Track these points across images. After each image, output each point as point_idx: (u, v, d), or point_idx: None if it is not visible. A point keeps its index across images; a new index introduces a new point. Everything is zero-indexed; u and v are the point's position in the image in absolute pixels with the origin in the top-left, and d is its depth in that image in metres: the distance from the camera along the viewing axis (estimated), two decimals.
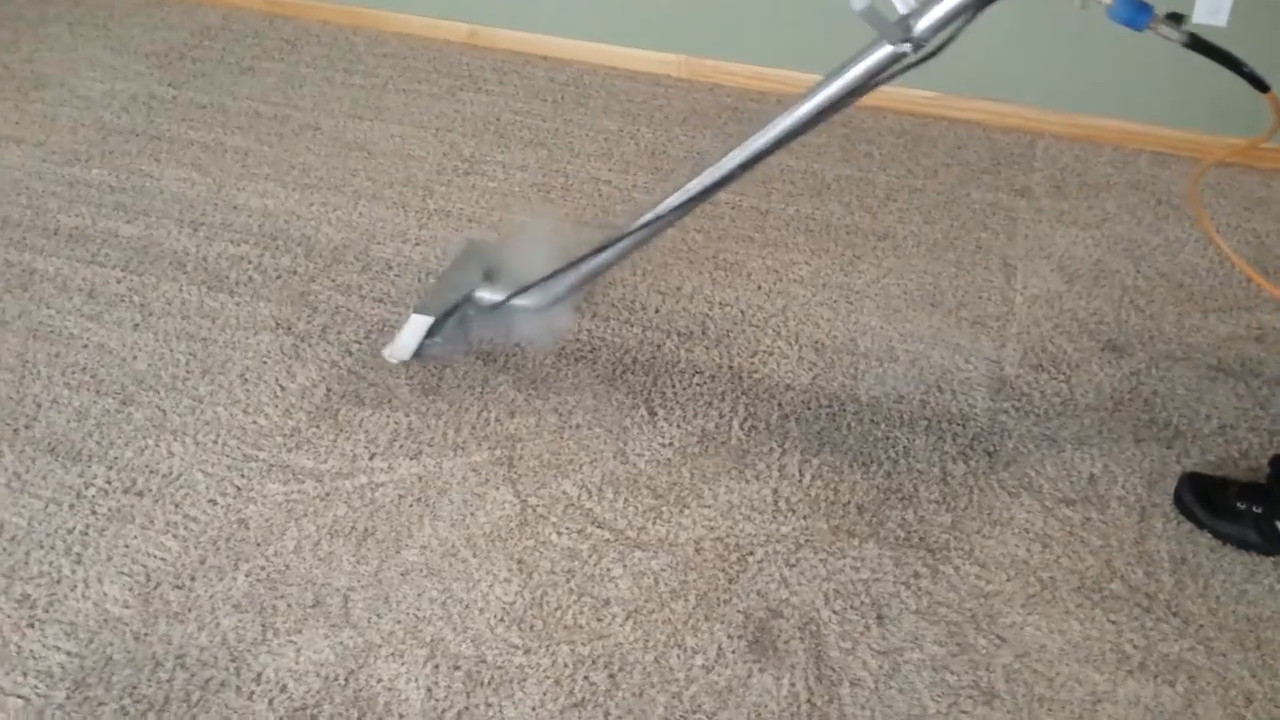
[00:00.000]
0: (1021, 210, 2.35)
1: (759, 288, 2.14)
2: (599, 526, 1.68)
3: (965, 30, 1.43)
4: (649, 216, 1.71)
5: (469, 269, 1.99)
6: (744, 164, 1.64)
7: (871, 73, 1.48)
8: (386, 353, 1.91)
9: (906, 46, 1.41)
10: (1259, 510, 1.62)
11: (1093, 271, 2.18)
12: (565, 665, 1.50)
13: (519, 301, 1.91)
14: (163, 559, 1.63)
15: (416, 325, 1.88)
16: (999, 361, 1.98)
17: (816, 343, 2.01)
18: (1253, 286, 2.14)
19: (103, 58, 2.92)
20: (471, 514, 1.70)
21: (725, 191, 2.40)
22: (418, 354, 1.90)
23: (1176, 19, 1.35)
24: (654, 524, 1.69)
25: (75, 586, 1.59)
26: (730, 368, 1.96)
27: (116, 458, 1.79)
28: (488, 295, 1.93)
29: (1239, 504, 1.64)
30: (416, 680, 1.48)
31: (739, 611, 1.57)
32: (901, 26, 1.40)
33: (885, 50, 1.44)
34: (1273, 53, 2.38)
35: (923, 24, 1.40)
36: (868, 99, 2.76)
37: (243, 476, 1.76)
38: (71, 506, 1.71)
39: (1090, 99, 2.55)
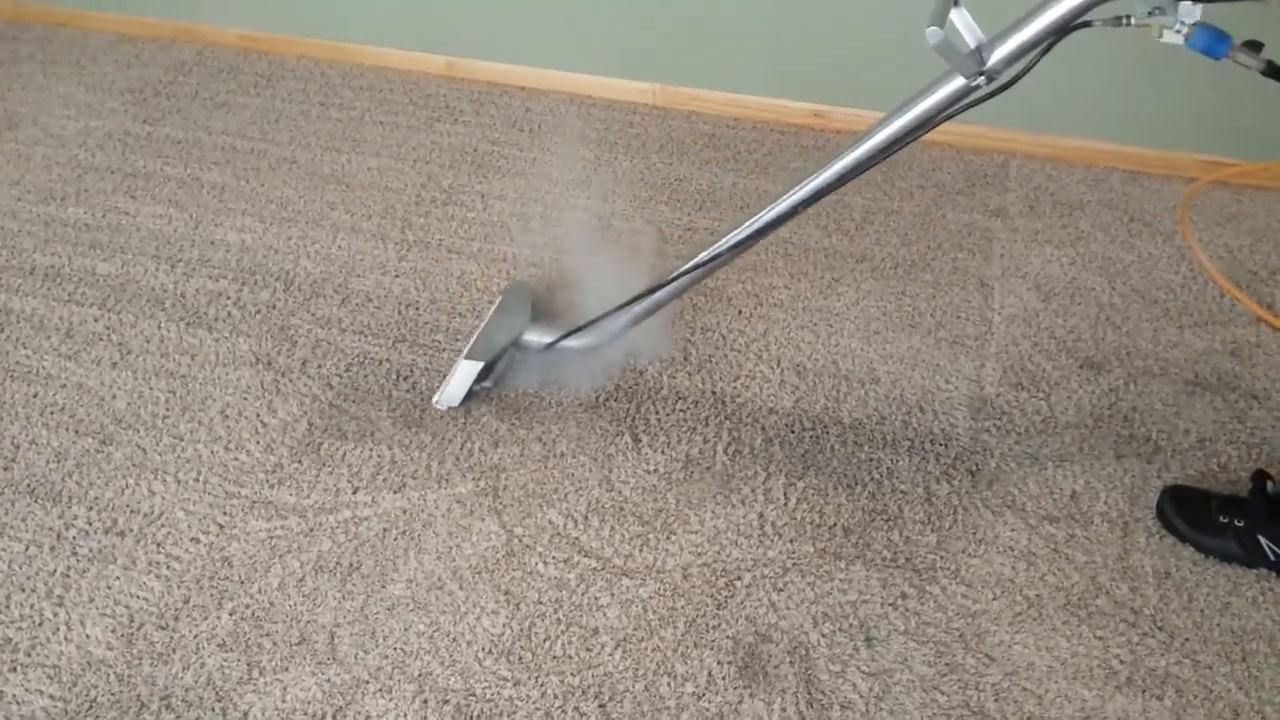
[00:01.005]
0: (997, 230, 2.38)
1: (739, 312, 2.15)
2: (586, 555, 1.68)
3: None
4: (706, 255, 1.68)
5: (515, 311, 1.97)
6: (805, 200, 1.61)
7: (942, 106, 1.46)
8: (436, 400, 1.90)
9: (980, 79, 1.40)
10: (1240, 524, 1.63)
11: (1069, 289, 2.20)
12: (555, 696, 1.49)
13: (570, 343, 1.90)
14: (145, 599, 1.62)
15: (466, 371, 1.87)
16: (979, 381, 1.99)
17: (798, 366, 2.02)
18: (1227, 301, 2.17)
19: (76, 95, 2.92)
20: (457, 546, 1.69)
21: (704, 217, 2.43)
22: (467, 399, 1.90)
23: (1255, 47, 1.34)
24: (641, 551, 1.68)
25: (57, 629, 1.58)
26: (713, 393, 1.96)
27: (97, 498, 1.78)
28: (537, 337, 1.92)
29: (1220, 517, 1.65)
30: (405, 716, 1.47)
31: (728, 637, 1.56)
32: (975, 59, 1.39)
33: (957, 83, 1.42)
34: (1239, 72, 2.42)
35: (996, 56, 1.39)
36: (838, 121, 2.80)
37: (225, 514, 1.74)
38: (52, 548, 1.69)
39: (1061, 119, 2.58)
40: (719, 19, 2.69)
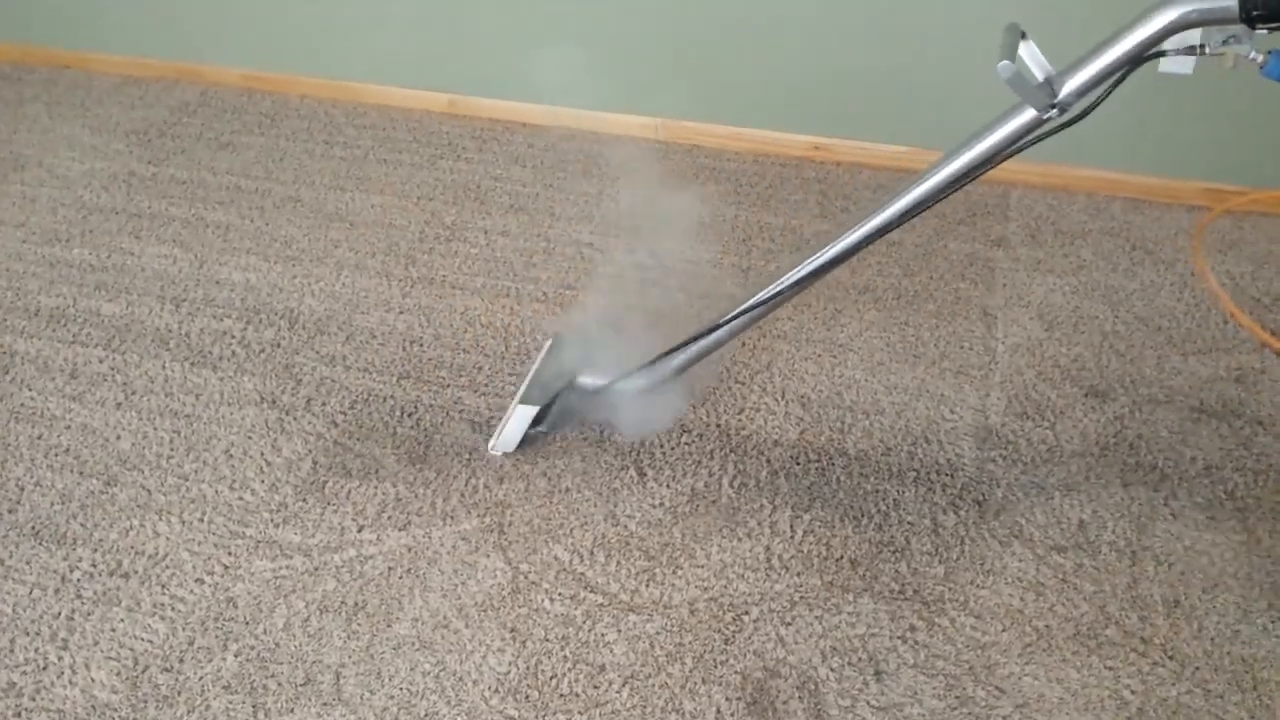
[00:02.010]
0: (999, 260, 2.38)
1: (743, 344, 2.15)
2: (592, 591, 1.67)
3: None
4: (764, 294, 1.66)
5: (568, 354, 1.95)
6: (867, 237, 1.58)
7: (1012, 139, 1.45)
8: (491, 445, 1.89)
9: (1052, 112, 1.39)
10: None
11: (1072, 318, 2.20)
12: None
13: (625, 385, 1.88)
14: (150, 641, 1.61)
15: (522, 416, 1.85)
16: (984, 410, 1.98)
17: (802, 397, 2.02)
18: (1230, 327, 2.17)
19: (81, 137, 2.94)
20: (462, 583, 1.68)
21: (706, 250, 2.43)
22: (522, 445, 1.89)
23: None
24: (647, 586, 1.68)
25: (62, 673, 1.57)
26: (718, 425, 1.96)
27: (101, 539, 1.77)
28: (591, 380, 1.90)
29: None
30: None
31: (736, 673, 1.55)
32: (1046, 91, 1.38)
33: (1027, 116, 1.41)
34: (1236, 101, 2.44)
35: (1067, 88, 1.38)
36: (839, 153, 2.81)
37: (230, 554, 1.74)
38: (57, 591, 1.69)
39: (1061, 148, 2.58)
40: (720, 54, 2.71)
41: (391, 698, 1.53)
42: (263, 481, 1.86)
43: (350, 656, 1.58)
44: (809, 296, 2.27)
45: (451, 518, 1.79)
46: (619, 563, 1.71)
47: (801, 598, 1.65)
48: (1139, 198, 2.57)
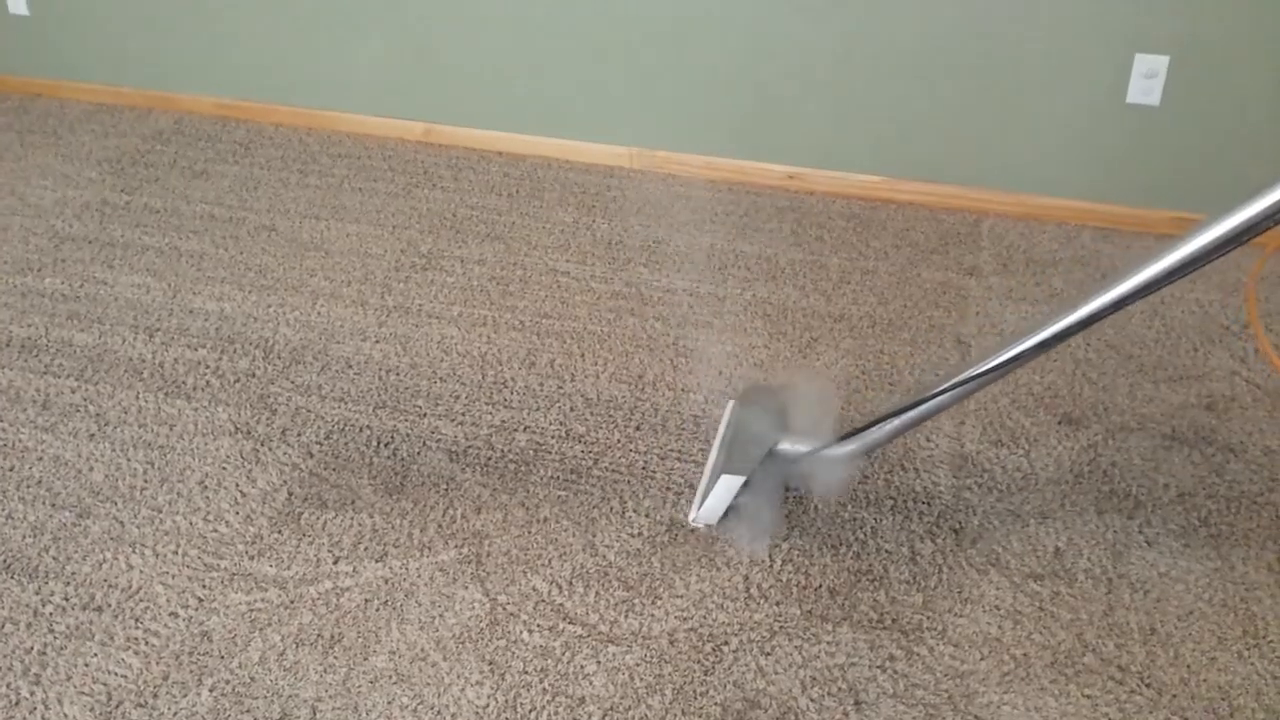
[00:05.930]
0: (971, 288, 2.40)
1: (720, 373, 2.15)
2: (571, 622, 1.66)
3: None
4: (995, 360, 1.59)
5: (765, 418, 1.88)
6: (1122, 299, 1.50)
7: None
8: (692, 518, 1.81)
9: None
10: None
11: None
12: None
13: (833, 452, 1.80)
14: (124, 676, 1.59)
15: (727, 486, 1.76)
16: (959, 438, 2.00)
17: None
18: (1200, 355, 2.20)
19: (54, 165, 2.92)
20: (440, 615, 1.67)
21: (682, 278, 2.44)
22: (726, 515, 1.80)
23: None
24: (626, 617, 1.67)
25: (34, 709, 1.54)
26: (696, 454, 1.96)
27: (74, 573, 1.75)
28: (794, 447, 1.82)
29: None
30: None
31: (716, 704, 1.55)
32: None
33: None
34: (1203, 131, 2.48)
35: None
36: (814, 183, 2.83)
37: (204, 587, 1.72)
38: (29, 625, 1.67)
39: (1032, 178, 2.62)
40: (694, 84, 2.74)
41: None
42: (237, 513, 1.85)
43: (327, 690, 1.57)
44: (785, 325, 2.28)
45: (429, 549, 1.78)
46: (598, 593, 1.71)
47: (781, 627, 1.65)
48: (1108, 227, 2.61)
